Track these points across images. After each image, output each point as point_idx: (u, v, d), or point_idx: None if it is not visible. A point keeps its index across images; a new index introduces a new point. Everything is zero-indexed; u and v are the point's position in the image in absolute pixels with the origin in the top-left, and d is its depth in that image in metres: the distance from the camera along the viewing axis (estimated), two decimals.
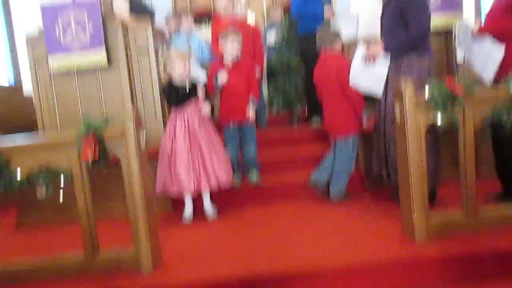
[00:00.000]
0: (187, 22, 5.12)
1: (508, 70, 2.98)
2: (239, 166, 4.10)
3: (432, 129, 2.79)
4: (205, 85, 3.84)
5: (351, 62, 3.56)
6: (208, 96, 3.81)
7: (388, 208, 3.43)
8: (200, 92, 3.69)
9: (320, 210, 3.63)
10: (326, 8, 5.15)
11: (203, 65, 4.79)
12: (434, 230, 2.70)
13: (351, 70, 3.51)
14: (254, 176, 4.02)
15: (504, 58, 3.15)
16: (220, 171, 3.63)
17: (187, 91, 3.62)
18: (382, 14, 3.52)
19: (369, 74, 3.41)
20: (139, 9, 4.66)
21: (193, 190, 3.59)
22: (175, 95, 3.59)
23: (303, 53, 5.21)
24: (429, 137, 2.83)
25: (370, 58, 3.37)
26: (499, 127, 2.66)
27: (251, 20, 6.13)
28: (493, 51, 3.19)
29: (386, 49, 3.32)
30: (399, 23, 3.29)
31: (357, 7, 4.38)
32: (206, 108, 3.70)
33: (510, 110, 2.59)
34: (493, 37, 3.19)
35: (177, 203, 3.90)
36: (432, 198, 3.30)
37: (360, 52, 3.43)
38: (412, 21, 3.23)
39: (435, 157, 3.30)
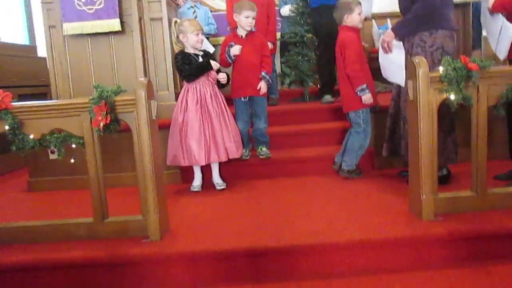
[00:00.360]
0: None
1: None
2: (249, 139, 4.10)
3: (445, 107, 2.75)
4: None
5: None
6: (220, 69, 3.79)
7: (397, 185, 3.43)
8: (214, 62, 3.66)
9: (329, 185, 3.64)
10: None
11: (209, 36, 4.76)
12: (442, 209, 2.68)
13: (380, 61, 3.46)
14: (263, 150, 4.01)
15: None
16: (230, 143, 3.64)
17: (201, 61, 3.60)
18: None
19: (389, 63, 3.37)
20: None
21: (204, 162, 3.60)
22: (188, 66, 3.56)
23: (315, 26, 5.06)
24: (442, 115, 2.80)
25: (385, 47, 3.32)
26: None
27: None
28: (505, 29, 3.12)
29: (395, 31, 3.27)
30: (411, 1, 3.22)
31: None
32: (222, 74, 3.70)
33: None
34: (505, 14, 3.12)
35: (186, 176, 3.93)
36: (445, 181, 3.28)
37: (381, 40, 3.39)
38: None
39: (448, 135, 3.27)
